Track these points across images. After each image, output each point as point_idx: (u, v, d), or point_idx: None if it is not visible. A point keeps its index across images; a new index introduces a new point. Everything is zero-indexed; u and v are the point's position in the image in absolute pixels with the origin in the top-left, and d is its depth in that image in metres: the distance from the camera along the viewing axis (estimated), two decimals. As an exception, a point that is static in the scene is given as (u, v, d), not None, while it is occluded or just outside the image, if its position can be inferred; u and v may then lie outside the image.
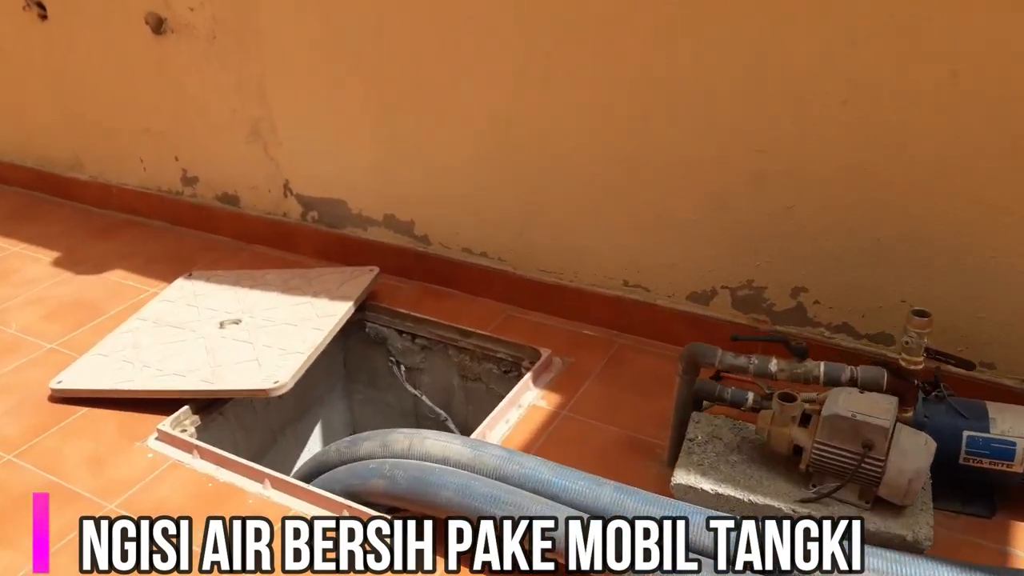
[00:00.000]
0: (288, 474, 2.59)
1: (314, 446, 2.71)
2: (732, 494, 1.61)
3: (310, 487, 1.87)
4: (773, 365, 1.70)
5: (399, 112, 2.55)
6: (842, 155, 1.96)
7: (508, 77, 2.31)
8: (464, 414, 2.60)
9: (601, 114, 2.22)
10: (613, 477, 1.86)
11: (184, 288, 2.75)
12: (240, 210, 3.13)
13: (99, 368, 2.33)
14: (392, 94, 2.54)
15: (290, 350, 2.28)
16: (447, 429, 2.59)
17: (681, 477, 1.66)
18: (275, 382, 2.13)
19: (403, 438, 1.88)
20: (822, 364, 1.70)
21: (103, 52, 3.13)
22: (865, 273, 2.06)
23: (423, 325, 2.54)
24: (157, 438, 2.10)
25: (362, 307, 2.58)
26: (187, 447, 2.05)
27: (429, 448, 1.82)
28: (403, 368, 2.62)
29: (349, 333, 2.59)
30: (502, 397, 2.46)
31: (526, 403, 2.17)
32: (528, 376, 2.22)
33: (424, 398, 2.60)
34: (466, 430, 2.60)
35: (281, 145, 2.88)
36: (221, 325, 2.48)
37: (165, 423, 2.11)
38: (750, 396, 1.93)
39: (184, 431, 2.13)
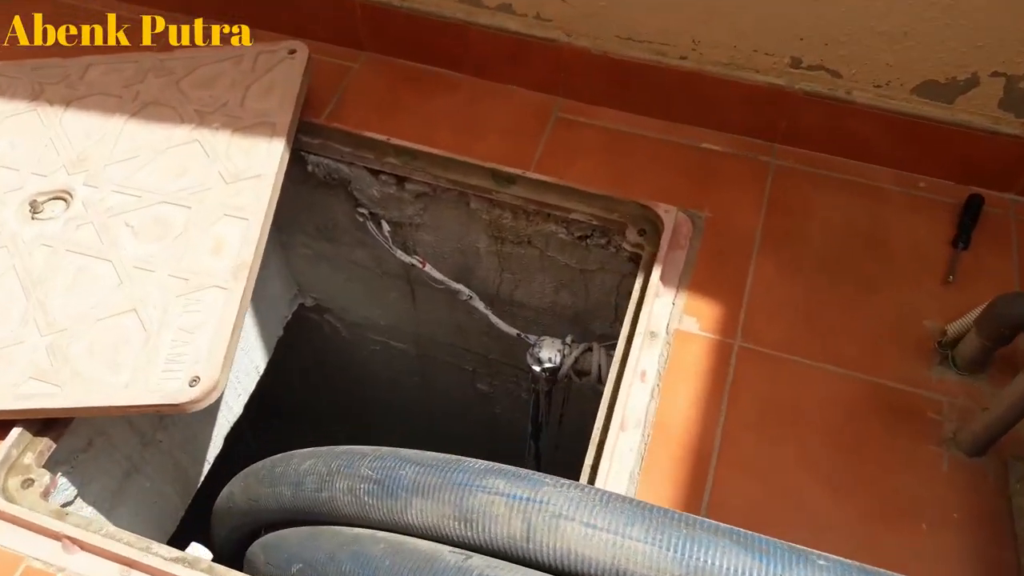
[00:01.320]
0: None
1: (252, 338, 1.68)
2: None
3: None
4: None
5: None
6: None
7: None
8: (496, 283, 1.61)
9: None
10: (882, 482, 1.07)
11: (-66, 111, 1.45)
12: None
13: None
14: None
15: (199, 281, 1.16)
16: (470, 307, 1.61)
17: None
18: (193, 379, 1.05)
19: (506, 508, 0.92)
20: None
21: None
22: None
23: (419, 162, 1.40)
24: (-21, 509, 1.06)
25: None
26: (49, 533, 1.03)
27: (574, 543, 0.88)
28: (384, 224, 1.54)
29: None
30: (568, 267, 1.49)
31: (662, 329, 1.20)
32: (656, 275, 1.22)
33: (428, 268, 1.57)
34: (499, 303, 1.64)
35: None
36: (34, 209, 1.28)
37: (-15, 480, 1.05)
38: None
39: (29, 484, 1.07)
